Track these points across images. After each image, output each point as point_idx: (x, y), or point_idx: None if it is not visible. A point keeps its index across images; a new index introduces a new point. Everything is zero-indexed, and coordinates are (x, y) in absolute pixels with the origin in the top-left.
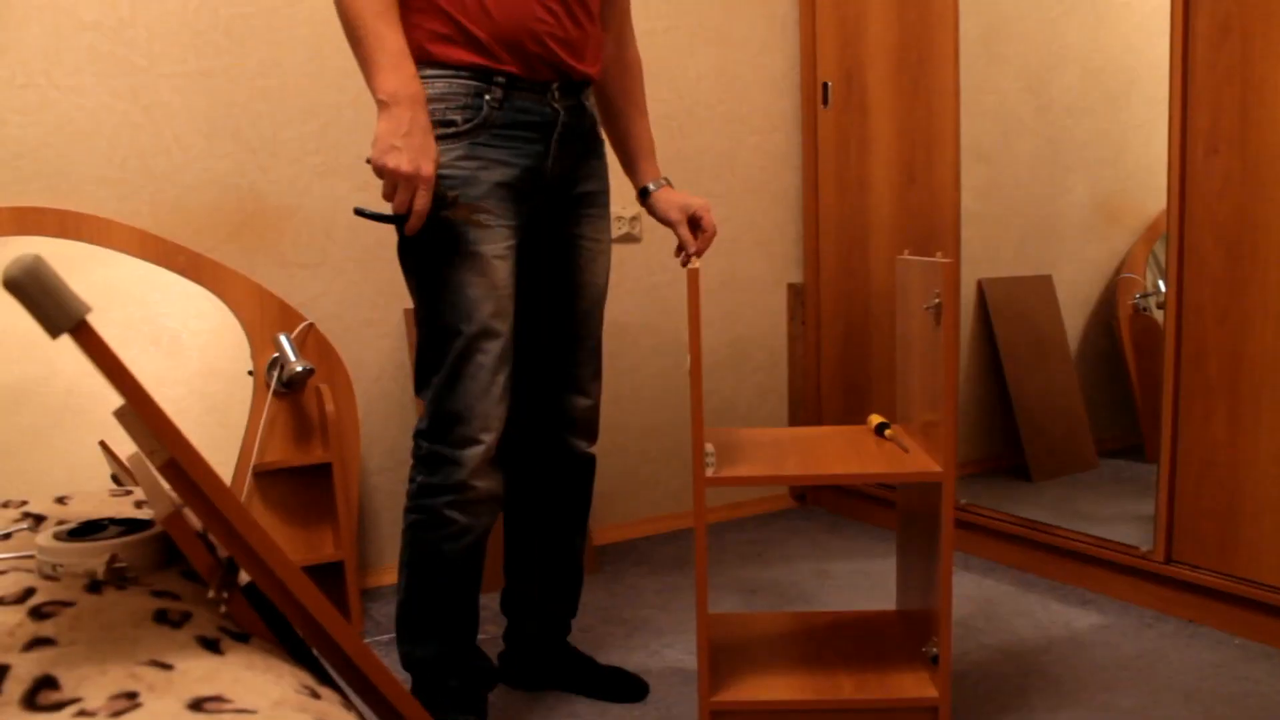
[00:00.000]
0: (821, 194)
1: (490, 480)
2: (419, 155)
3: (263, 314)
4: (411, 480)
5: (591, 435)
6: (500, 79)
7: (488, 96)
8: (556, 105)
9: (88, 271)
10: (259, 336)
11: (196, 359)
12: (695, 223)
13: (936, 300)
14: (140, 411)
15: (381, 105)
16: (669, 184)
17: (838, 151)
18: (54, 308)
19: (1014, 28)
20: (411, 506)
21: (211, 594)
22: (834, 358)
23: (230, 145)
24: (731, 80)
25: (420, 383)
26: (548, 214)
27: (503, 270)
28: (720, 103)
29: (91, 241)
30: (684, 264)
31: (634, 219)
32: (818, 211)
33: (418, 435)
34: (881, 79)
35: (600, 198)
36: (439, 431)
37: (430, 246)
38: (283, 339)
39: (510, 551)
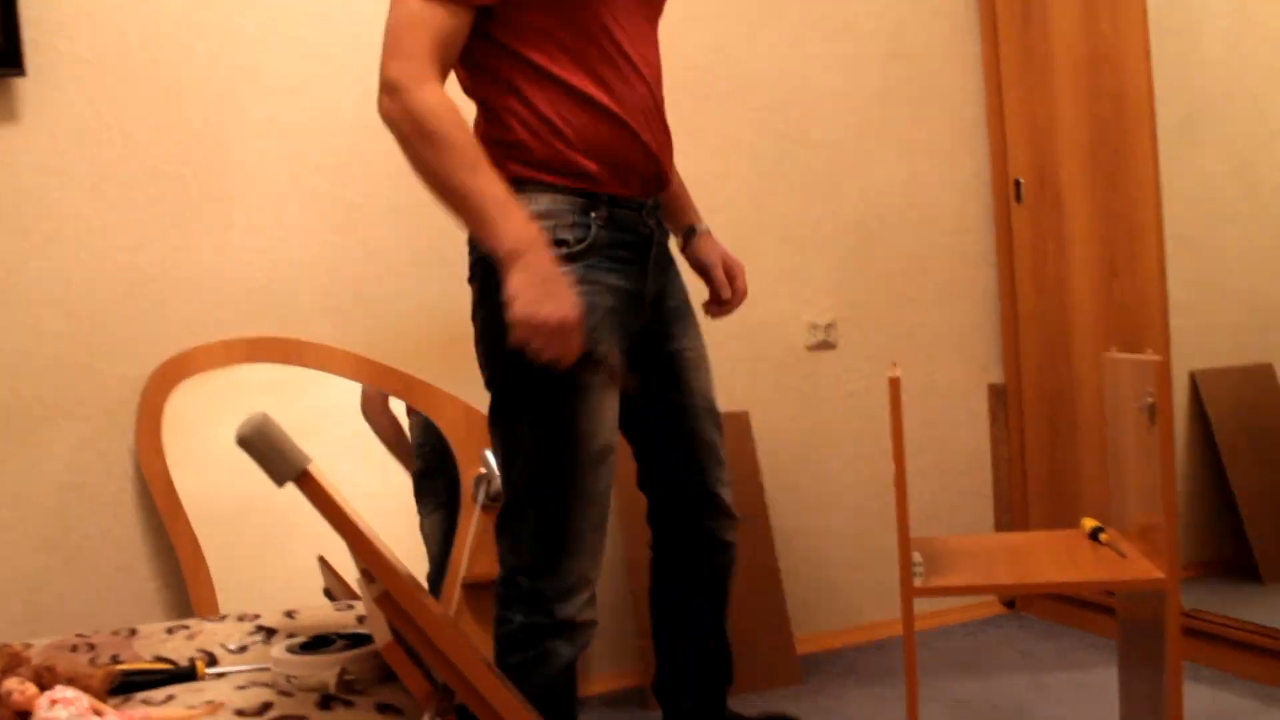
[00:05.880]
0: (1019, 292)
1: (593, 607)
2: (564, 301)
3: (470, 431)
4: (506, 621)
5: (730, 518)
6: (604, 198)
7: (594, 214)
8: (650, 224)
9: (309, 394)
10: (467, 453)
11: (406, 476)
12: (730, 280)
13: (1149, 400)
14: (357, 550)
15: (509, 258)
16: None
17: (1033, 248)
18: (279, 461)
19: (1215, 111)
20: (516, 647)
21: (425, 719)
22: (1040, 459)
23: (438, 271)
24: (921, 184)
25: (515, 516)
26: (645, 336)
27: (613, 404)
28: (910, 207)
29: (313, 366)
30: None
31: (829, 325)
32: (1016, 310)
33: (515, 572)
34: (1076, 173)
35: (688, 306)
36: (545, 566)
37: (548, 385)
38: (488, 455)
39: (660, 640)
